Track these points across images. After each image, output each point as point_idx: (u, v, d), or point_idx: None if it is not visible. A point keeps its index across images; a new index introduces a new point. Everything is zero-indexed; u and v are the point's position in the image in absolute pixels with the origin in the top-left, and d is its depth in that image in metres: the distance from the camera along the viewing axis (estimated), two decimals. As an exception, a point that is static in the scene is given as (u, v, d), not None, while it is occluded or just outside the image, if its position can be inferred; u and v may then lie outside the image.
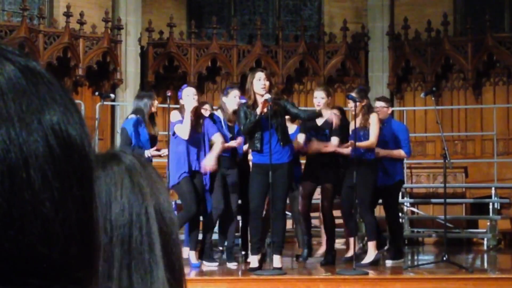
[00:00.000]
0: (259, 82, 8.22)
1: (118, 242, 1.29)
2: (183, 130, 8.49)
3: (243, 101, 9.26)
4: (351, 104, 8.85)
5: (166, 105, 9.58)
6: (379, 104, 9.44)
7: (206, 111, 9.36)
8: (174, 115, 8.68)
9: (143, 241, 1.30)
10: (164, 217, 1.35)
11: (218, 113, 9.13)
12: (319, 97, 8.98)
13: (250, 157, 8.96)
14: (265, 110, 8.10)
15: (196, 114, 8.65)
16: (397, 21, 15.78)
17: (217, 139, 8.63)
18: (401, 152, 9.39)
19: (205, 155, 8.59)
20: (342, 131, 8.98)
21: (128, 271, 1.29)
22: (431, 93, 10.02)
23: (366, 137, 8.78)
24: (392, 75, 15.57)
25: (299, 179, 9.15)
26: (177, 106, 9.19)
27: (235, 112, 8.85)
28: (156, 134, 8.91)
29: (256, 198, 8.27)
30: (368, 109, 8.91)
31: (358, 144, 8.63)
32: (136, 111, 8.83)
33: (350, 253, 8.96)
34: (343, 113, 9.77)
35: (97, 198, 1.30)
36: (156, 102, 8.97)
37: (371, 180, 8.74)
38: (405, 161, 13.24)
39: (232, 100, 8.99)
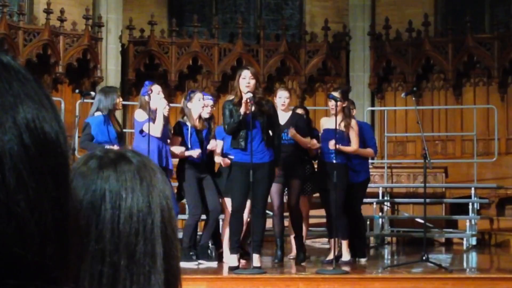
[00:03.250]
0: (244, 81, 8.23)
1: (125, 250, 1.28)
2: (156, 128, 8.49)
3: (209, 98, 9.33)
4: (332, 103, 8.88)
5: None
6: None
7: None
8: (140, 114, 8.63)
9: (146, 251, 1.29)
10: (165, 216, 1.34)
11: (184, 120, 9.08)
12: (283, 97, 9.13)
13: (218, 159, 8.97)
14: (249, 108, 8.10)
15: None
16: (378, 21, 15.81)
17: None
18: (370, 151, 9.53)
19: (166, 154, 8.64)
20: (307, 129, 9.21)
21: (130, 281, 1.28)
22: (411, 93, 10.06)
23: (342, 140, 8.83)
24: (373, 75, 15.61)
25: None
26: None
27: (201, 117, 8.96)
28: (121, 130, 8.82)
29: (238, 198, 8.26)
30: (349, 112, 8.99)
31: (344, 148, 8.73)
32: (103, 108, 8.65)
33: (331, 256, 8.97)
34: (307, 112, 9.91)
35: (107, 198, 1.30)
36: (120, 99, 8.84)
37: (345, 182, 8.88)
38: (385, 160, 13.34)
39: (196, 103, 8.95)
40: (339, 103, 8.78)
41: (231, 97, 8.77)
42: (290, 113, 9.26)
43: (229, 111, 8.27)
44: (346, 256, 9.07)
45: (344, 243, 9.10)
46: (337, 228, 8.94)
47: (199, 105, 8.92)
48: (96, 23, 14.62)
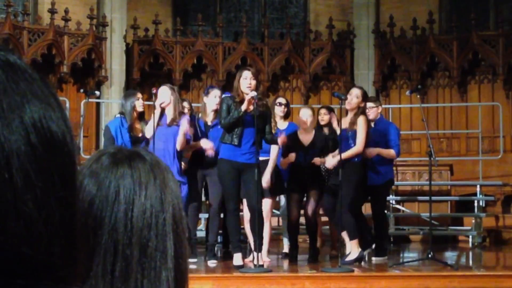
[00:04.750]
0: (245, 81, 8.23)
1: (137, 244, 1.29)
2: (147, 129, 8.53)
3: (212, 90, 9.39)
4: (354, 100, 8.79)
5: (151, 103, 9.55)
6: (368, 105, 9.36)
7: (184, 109, 9.38)
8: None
9: (158, 247, 1.30)
10: (176, 214, 1.36)
11: (195, 113, 9.17)
12: (306, 115, 9.03)
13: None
14: (251, 107, 8.10)
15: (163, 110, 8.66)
16: (382, 19, 15.80)
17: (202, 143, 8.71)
18: (391, 152, 9.35)
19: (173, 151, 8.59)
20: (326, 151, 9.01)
21: (141, 275, 1.29)
22: (416, 91, 10.04)
23: (354, 138, 8.75)
24: (378, 73, 15.60)
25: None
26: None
27: (216, 111, 8.97)
28: (142, 135, 8.77)
29: (233, 197, 8.26)
30: (359, 112, 8.81)
31: (344, 155, 8.51)
32: (121, 111, 8.83)
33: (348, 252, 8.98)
34: (332, 112, 9.72)
35: (121, 194, 1.32)
36: (140, 102, 8.82)
37: (354, 181, 8.69)
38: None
39: (211, 99, 9.03)
40: (357, 100, 8.75)
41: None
42: (313, 133, 9.13)
43: (227, 106, 8.25)
44: (353, 254, 8.82)
45: (353, 243, 8.84)
46: (344, 228, 8.84)
47: (214, 102, 9.00)
48: (101, 23, 14.63)
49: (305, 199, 9.22)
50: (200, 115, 9.23)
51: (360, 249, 8.85)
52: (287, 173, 9.10)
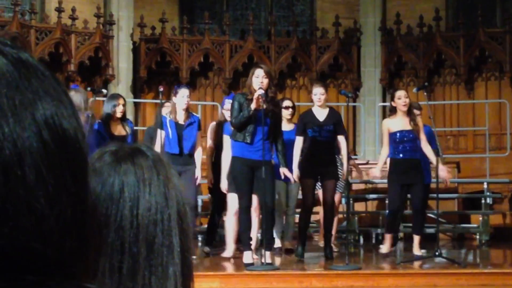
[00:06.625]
0: (257, 79, 8.27)
1: (144, 241, 1.30)
2: None
3: (228, 100, 9.51)
4: (402, 100, 9.14)
5: (158, 101, 9.60)
6: (416, 112, 9.60)
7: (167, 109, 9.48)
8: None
9: (164, 243, 1.31)
10: (180, 209, 1.36)
11: (166, 115, 9.24)
12: (319, 94, 9.09)
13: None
14: (264, 105, 8.11)
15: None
16: (389, 16, 15.78)
17: None
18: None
19: None
20: (339, 128, 9.15)
21: (149, 272, 1.30)
22: (423, 88, 10.05)
23: (415, 140, 9.20)
24: (385, 70, 15.57)
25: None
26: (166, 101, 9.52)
27: (186, 110, 9.13)
28: (127, 133, 9.12)
29: (245, 194, 8.27)
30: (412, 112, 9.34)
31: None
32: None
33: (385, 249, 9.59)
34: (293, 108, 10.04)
35: (125, 191, 1.33)
36: (120, 107, 9.15)
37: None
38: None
39: (180, 99, 9.10)
40: (407, 100, 9.16)
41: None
42: (327, 109, 9.21)
43: (238, 104, 8.27)
44: (416, 251, 9.46)
45: (416, 238, 9.52)
46: (421, 222, 9.62)
47: (183, 101, 9.08)
48: (108, 21, 14.64)
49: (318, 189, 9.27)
50: (170, 115, 9.21)
51: None
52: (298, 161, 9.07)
